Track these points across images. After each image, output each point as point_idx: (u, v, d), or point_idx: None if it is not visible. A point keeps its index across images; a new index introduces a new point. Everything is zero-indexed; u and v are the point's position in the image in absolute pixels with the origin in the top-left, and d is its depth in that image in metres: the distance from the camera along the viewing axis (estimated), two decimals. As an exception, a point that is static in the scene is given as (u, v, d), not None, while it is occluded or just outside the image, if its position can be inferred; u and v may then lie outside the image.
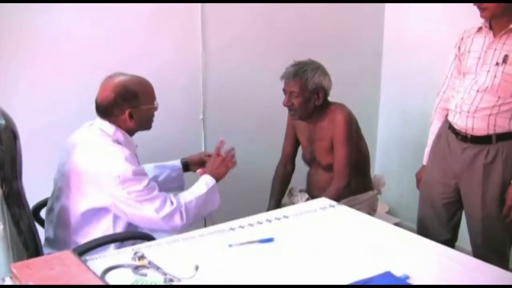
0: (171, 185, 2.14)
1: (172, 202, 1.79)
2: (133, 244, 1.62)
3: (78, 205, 1.76)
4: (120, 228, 1.80)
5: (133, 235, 1.79)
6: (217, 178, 1.96)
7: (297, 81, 2.20)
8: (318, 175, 2.39)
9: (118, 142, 1.80)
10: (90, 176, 1.74)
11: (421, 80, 2.97)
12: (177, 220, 1.78)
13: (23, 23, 2.14)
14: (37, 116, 2.23)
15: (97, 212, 1.77)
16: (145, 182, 1.75)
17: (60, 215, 1.80)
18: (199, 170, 2.14)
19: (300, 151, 2.49)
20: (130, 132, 1.86)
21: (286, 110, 2.43)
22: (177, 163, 2.18)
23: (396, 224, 2.25)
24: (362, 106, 2.39)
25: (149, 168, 2.10)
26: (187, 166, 2.19)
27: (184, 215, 1.79)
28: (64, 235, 1.80)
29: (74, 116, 2.03)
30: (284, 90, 2.25)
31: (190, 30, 2.55)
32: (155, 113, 1.91)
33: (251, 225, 1.71)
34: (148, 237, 1.73)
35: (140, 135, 1.92)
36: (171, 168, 2.16)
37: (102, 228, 1.78)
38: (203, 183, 1.92)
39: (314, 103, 2.23)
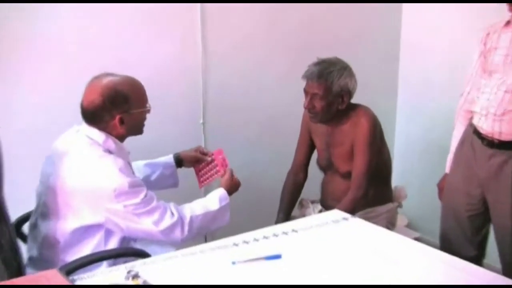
0: (164, 183, 2.15)
1: (172, 214, 1.79)
2: (126, 262, 1.61)
3: (68, 223, 1.75)
4: (112, 245, 1.79)
5: (126, 251, 1.79)
6: (230, 193, 2.00)
7: (321, 83, 2.17)
8: (334, 183, 2.38)
9: (109, 151, 1.79)
10: (81, 192, 1.73)
11: (443, 80, 2.96)
12: (177, 233, 1.79)
13: (10, 22, 2.15)
14: (20, 121, 2.23)
15: (88, 229, 1.76)
16: (142, 195, 1.75)
17: (46, 234, 1.79)
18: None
19: (314, 157, 2.47)
20: (121, 138, 1.86)
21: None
22: (169, 160, 2.18)
23: (417, 239, 2.23)
24: (377, 109, 2.33)
25: (140, 166, 2.10)
26: (180, 162, 2.19)
27: (185, 228, 1.80)
28: (51, 254, 1.78)
29: (62, 121, 1.99)
30: (305, 91, 2.23)
31: (189, 30, 2.56)
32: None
33: (256, 240, 1.70)
34: (142, 254, 1.73)
35: (137, 140, 1.91)
36: (163, 166, 2.16)
37: (93, 245, 1.77)
38: (217, 198, 1.93)
39: (337, 107, 2.22)
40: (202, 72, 2.62)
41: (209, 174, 2.15)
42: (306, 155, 2.46)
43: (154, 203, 1.77)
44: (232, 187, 2.03)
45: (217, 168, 2.11)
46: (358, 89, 2.27)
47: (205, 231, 1.92)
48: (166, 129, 2.39)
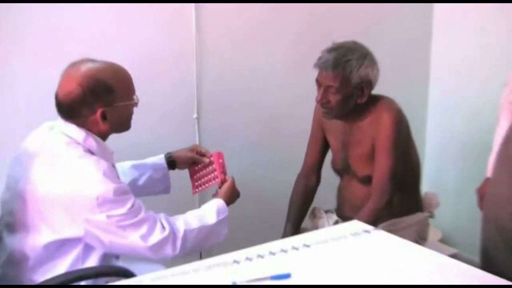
0: (154, 188, 2.12)
1: (163, 227, 1.73)
2: (107, 282, 1.60)
3: (39, 236, 1.68)
4: (91, 262, 1.73)
5: (108, 270, 1.73)
6: (228, 205, 1.96)
7: (337, 74, 2.07)
8: (352, 189, 2.30)
9: (90, 151, 1.72)
10: (56, 200, 1.65)
11: (483, 66, 2.89)
12: (168, 250, 1.74)
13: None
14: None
15: (64, 244, 1.70)
16: (129, 204, 1.69)
17: (13, 249, 1.72)
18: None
19: (328, 159, 2.40)
20: (103, 136, 1.79)
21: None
22: (160, 160, 2.12)
23: (453, 256, 2.15)
24: (404, 103, 2.23)
25: (125, 168, 2.06)
26: (173, 163, 2.14)
27: (178, 244, 1.75)
28: (17, 273, 1.72)
29: (34, 116, 1.97)
30: (318, 82, 2.13)
31: (181, 14, 2.52)
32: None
33: (261, 256, 1.62)
34: (127, 273, 1.66)
35: (123, 137, 1.85)
36: (153, 168, 2.11)
37: (69, 262, 1.70)
38: (214, 210, 1.88)
39: (356, 100, 2.13)
40: (196, 60, 2.57)
41: (206, 179, 2.08)
42: (319, 157, 2.39)
43: (142, 214, 1.70)
44: (231, 198, 1.97)
45: (216, 173, 2.04)
46: (381, 78, 2.17)
47: (198, 249, 1.87)
48: (156, 124, 2.36)
